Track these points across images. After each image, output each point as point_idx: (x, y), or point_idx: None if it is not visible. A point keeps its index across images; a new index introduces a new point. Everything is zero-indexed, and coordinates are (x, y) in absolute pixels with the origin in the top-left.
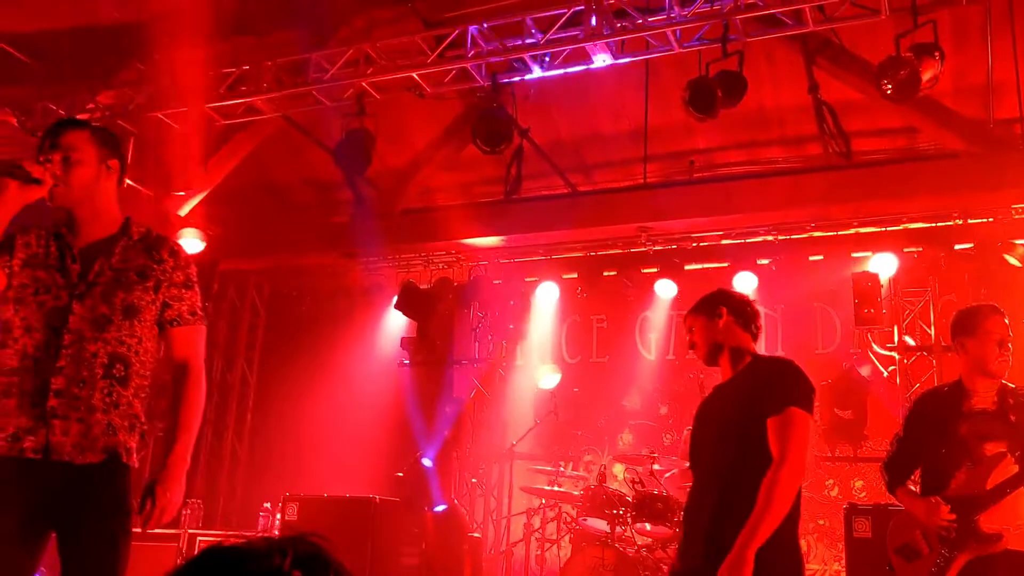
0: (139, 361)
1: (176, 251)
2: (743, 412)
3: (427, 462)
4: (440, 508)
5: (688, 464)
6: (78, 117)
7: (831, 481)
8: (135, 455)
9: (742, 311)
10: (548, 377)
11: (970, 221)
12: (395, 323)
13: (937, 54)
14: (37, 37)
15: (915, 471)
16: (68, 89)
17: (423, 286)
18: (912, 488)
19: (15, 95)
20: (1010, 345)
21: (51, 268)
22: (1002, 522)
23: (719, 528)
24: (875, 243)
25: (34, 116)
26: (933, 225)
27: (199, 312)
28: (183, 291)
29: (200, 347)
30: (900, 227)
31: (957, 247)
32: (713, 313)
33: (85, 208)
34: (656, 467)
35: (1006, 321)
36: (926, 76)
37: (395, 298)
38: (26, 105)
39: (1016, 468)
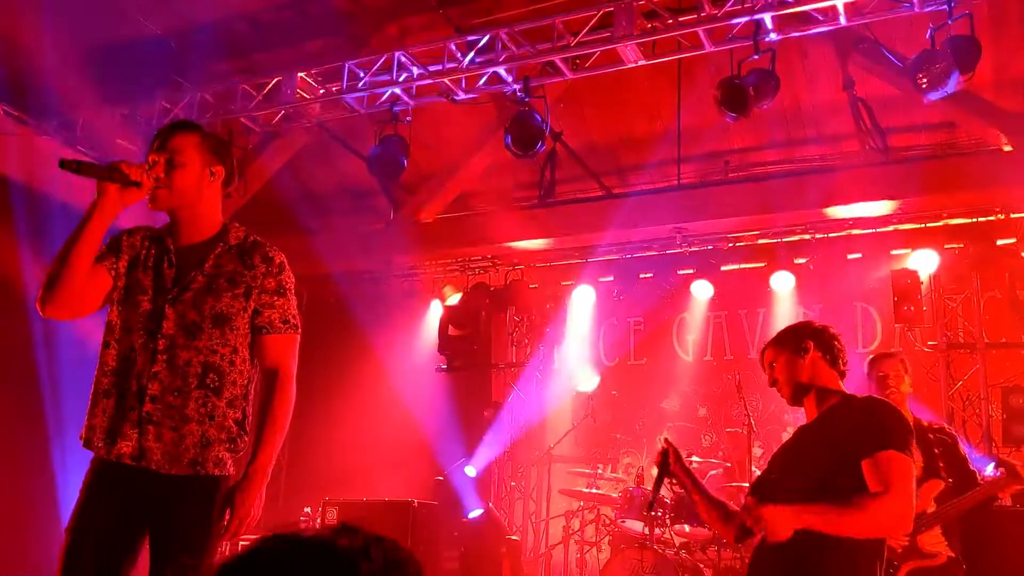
0: (234, 371)
1: (271, 257)
2: (832, 457)
3: (471, 471)
4: (474, 514)
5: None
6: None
7: None
8: (230, 466)
9: (830, 346)
10: (587, 380)
11: (1012, 216)
12: (431, 329)
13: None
14: None
15: None
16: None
17: (459, 291)
18: None
19: None
20: (903, 387)
21: (149, 270)
22: (935, 543)
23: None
24: (915, 240)
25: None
26: (974, 220)
27: (291, 320)
28: (275, 298)
29: (290, 356)
30: (940, 223)
31: (999, 242)
32: (799, 348)
33: (185, 212)
34: (695, 465)
35: (899, 363)
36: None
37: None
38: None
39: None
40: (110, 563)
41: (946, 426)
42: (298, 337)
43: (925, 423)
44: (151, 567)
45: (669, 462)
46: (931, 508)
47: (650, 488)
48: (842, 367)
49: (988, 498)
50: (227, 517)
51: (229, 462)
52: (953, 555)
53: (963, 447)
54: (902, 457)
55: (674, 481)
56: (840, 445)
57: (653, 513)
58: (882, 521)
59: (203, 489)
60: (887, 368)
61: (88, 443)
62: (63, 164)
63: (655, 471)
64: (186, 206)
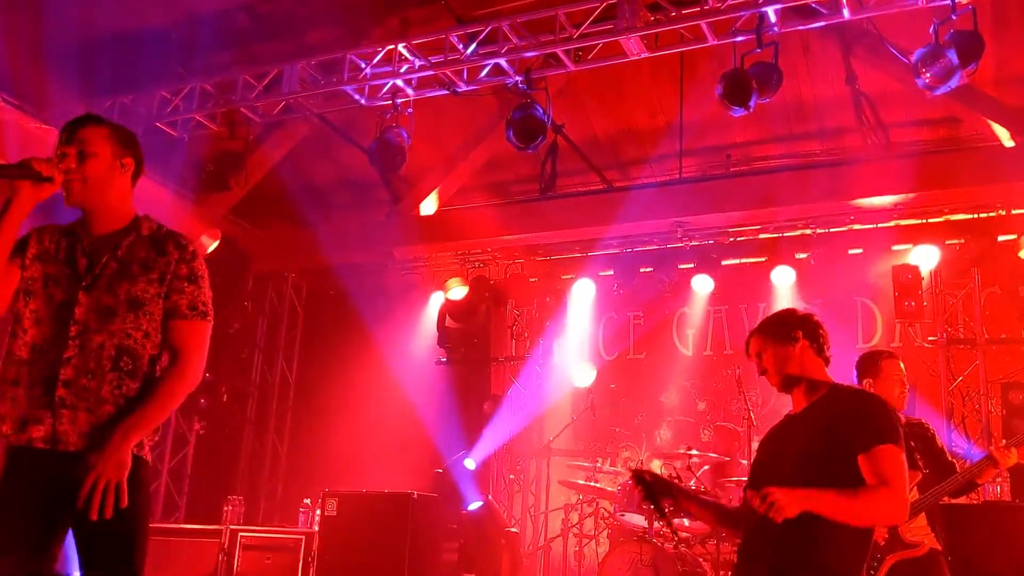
0: (148, 356)
1: (183, 244)
2: (826, 447)
3: (470, 464)
4: (474, 506)
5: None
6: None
7: None
8: (147, 449)
9: (816, 335)
10: (583, 375)
11: (1013, 212)
12: (432, 322)
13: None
14: None
15: None
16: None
17: (466, 285)
18: None
19: None
20: (907, 386)
21: (60, 262)
22: (918, 532)
23: (787, 561)
24: (916, 235)
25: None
26: (975, 216)
27: (201, 307)
28: (185, 284)
29: (195, 343)
30: (941, 219)
31: (1000, 238)
32: (788, 338)
33: (97, 203)
34: (694, 460)
35: (901, 365)
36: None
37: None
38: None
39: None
40: (35, 546)
41: (923, 421)
42: (208, 325)
43: (903, 419)
44: (79, 557)
45: (652, 490)
46: (913, 497)
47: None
48: (827, 355)
49: (968, 483)
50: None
51: (145, 444)
52: (938, 547)
53: (940, 440)
54: (897, 451)
55: (675, 477)
56: (834, 436)
57: (665, 512)
58: (882, 512)
59: (147, 469)
60: (896, 368)
61: None
62: None
63: (646, 486)
64: (97, 197)
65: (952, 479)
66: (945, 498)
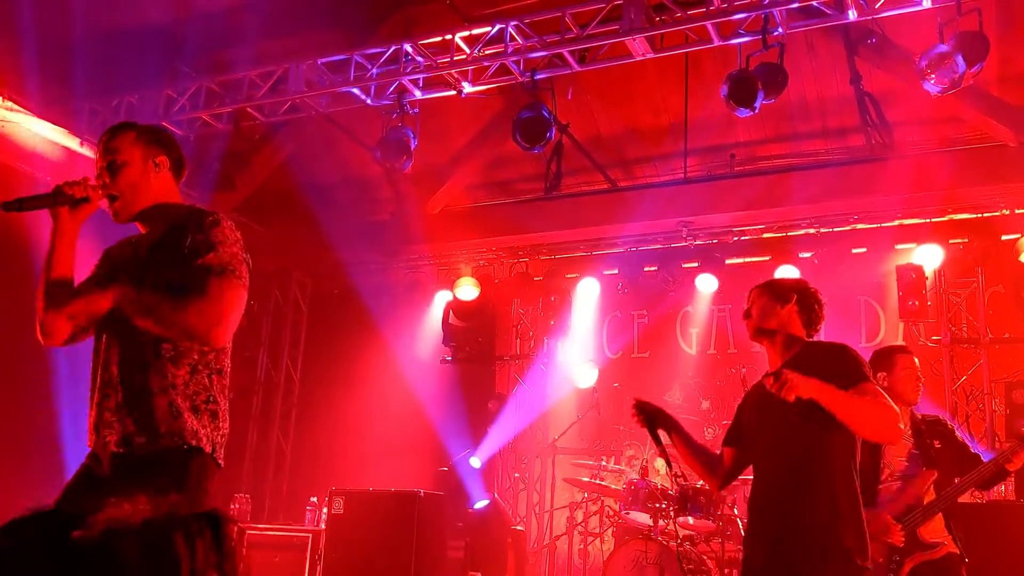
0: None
1: (215, 223)
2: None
3: (476, 462)
4: (479, 504)
5: (729, 449)
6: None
7: None
8: (204, 439)
9: (809, 307)
10: (584, 377)
11: (1017, 211)
12: (436, 320)
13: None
14: None
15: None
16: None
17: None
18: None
19: None
20: (920, 377)
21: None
22: (937, 532)
23: (796, 512)
24: (920, 234)
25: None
26: (979, 216)
27: (230, 269)
28: (216, 247)
29: (228, 298)
30: (945, 218)
31: (1004, 237)
32: (781, 297)
33: (143, 208)
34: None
35: (916, 361)
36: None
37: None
38: None
39: (931, 487)
40: None
41: (940, 417)
42: (240, 286)
43: (919, 416)
44: None
45: (654, 422)
46: (930, 498)
47: (654, 481)
48: (811, 332)
49: (997, 471)
50: None
51: (203, 435)
52: (956, 551)
53: (960, 434)
54: (876, 386)
55: (679, 475)
56: (818, 376)
57: (671, 467)
58: (876, 415)
59: (181, 465)
60: (910, 363)
61: (88, 440)
62: (5, 206)
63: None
64: (140, 202)
65: (979, 469)
66: (970, 492)
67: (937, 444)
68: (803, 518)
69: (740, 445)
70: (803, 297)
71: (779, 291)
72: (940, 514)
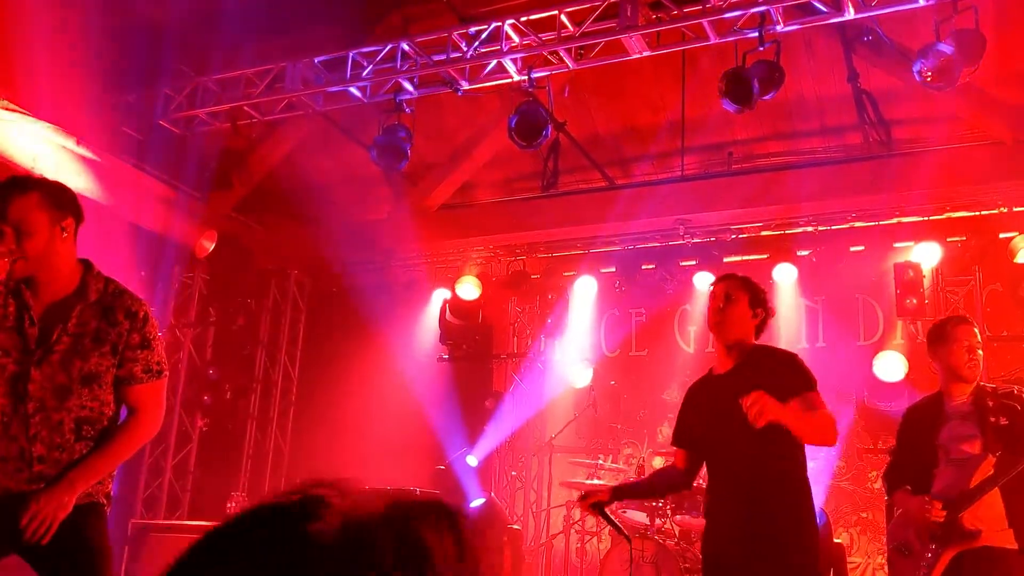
0: (104, 418)
1: (134, 312)
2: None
3: (472, 460)
4: (476, 503)
5: (682, 451)
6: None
7: (874, 473)
8: (102, 495)
9: (767, 322)
10: (580, 375)
11: (1015, 209)
12: (434, 318)
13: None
14: None
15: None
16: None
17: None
18: (908, 488)
19: None
20: (979, 351)
21: (10, 330)
22: (983, 519)
23: (757, 510)
24: (917, 233)
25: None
26: (977, 214)
27: (155, 368)
28: (138, 352)
29: (153, 401)
30: (943, 216)
31: (1002, 235)
32: (758, 303)
33: (43, 272)
34: None
35: (975, 330)
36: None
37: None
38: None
39: (992, 470)
40: None
41: (1014, 390)
42: (163, 381)
43: (990, 388)
44: None
45: (601, 505)
46: (987, 472)
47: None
48: (757, 338)
49: None
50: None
51: (100, 492)
52: (1000, 544)
53: None
54: (820, 396)
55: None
56: (773, 389)
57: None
58: (825, 428)
59: (90, 519)
60: (965, 333)
61: None
62: None
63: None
64: (43, 267)
65: None
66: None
67: (1004, 421)
68: (764, 523)
69: (692, 447)
70: (768, 309)
71: (758, 299)
72: (994, 500)
